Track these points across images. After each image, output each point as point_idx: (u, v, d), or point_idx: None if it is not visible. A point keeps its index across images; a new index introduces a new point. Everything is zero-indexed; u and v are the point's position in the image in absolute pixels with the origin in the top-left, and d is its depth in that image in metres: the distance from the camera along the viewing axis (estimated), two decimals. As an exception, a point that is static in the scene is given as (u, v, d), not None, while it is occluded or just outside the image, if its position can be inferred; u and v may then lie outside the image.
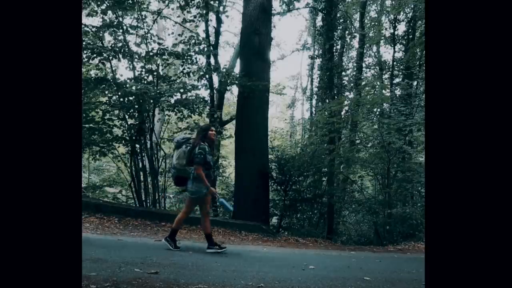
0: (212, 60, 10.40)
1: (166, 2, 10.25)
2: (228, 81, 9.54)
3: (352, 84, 13.65)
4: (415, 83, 12.57)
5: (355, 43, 14.92)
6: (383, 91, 12.39)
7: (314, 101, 15.84)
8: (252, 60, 9.07)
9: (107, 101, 8.56)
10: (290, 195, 9.73)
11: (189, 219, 7.70)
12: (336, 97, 12.49)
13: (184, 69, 9.13)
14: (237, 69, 11.08)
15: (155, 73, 8.59)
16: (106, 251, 4.22)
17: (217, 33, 10.91)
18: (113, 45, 8.55)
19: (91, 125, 8.03)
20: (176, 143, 5.14)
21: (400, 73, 13.91)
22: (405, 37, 13.89)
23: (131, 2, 8.26)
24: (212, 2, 9.70)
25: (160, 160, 9.06)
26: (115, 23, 8.37)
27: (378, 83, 13.93)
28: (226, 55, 29.62)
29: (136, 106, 8.19)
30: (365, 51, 14.57)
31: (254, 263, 4.39)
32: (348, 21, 14.44)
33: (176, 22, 13.89)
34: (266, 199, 8.88)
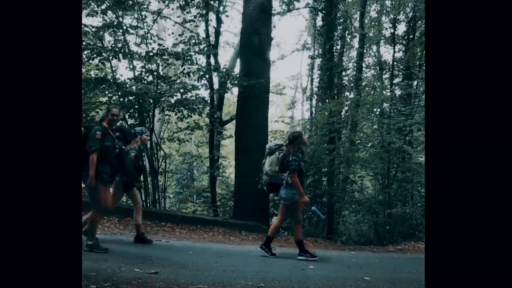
0: (212, 60, 10.39)
1: (166, 2, 10.25)
2: (228, 81, 9.53)
3: (352, 84, 13.63)
4: (415, 83, 12.56)
5: (355, 43, 14.91)
6: (383, 91, 12.38)
7: (314, 101, 15.83)
8: (252, 60, 9.07)
9: (107, 101, 8.56)
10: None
11: (191, 219, 7.71)
12: (336, 97, 12.48)
13: (184, 69, 9.13)
14: (237, 69, 11.08)
15: (155, 73, 8.59)
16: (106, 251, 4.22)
17: (217, 33, 10.90)
18: (113, 45, 8.55)
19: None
20: (269, 149, 5.14)
21: (400, 73, 13.90)
22: (405, 37, 13.88)
23: (131, 2, 8.26)
24: (212, 2, 9.70)
25: (160, 160, 9.05)
26: (115, 23, 8.37)
27: (378, 83, 13.93)
28: (226, 55, 29.60)
29: (136, 106, 8.20)
30: (365, 51, 14.56)
31: (254, 263, 4.39)
32: (348, 21, 14.43)
33: (176, 22, 13.89)
34: (266, 199, 8.88)
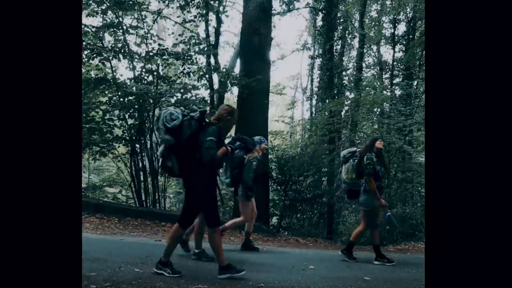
0: (212, 60, 10.39)
1: (166, 2, 10.24)
2: (228, 81, 9.53)
3: (352, 84, 13.64)
4: (415, 83, 12.56)
5: (355, 43, 14.91)
6: (383, 91, 12.38)
7: (314, 101, 15.83)
8: (252, 60, 9.07)
9: (107, 101, 8.55)
10: (290, 195, 9.72)
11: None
12: (336, 97, 12.48)
13: (184, 69, 9.13)
14: (237, 69, 11.07)
15: (155, 73, 8.59)
16: (106, 251, 4.22)
17: (217, 33, 10.90)
18: (113, 45, 8.55)
19: (91, 125, 8.03)
20: (343, 157, 5.13)
21: (400, 73, 13.90)
22: (405, 37, 13.88)
23: (131, 2, 8.26)
24: (212, 2, 9.70)
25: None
26: (115, 23, 8.37)
27: (378, 83, 13.93)
28: (226, 55, 29.54)
29: (136, 106, 8.19)
30: (365, 51, 14.56)
31: (254, 263, 4.38)
32: (348, 21, 14.43)
33: (176, 22, 13.89)
34: (266, 199, 8.87)
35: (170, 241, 3.53)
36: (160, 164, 3.68)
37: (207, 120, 3.51)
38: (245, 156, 4.95)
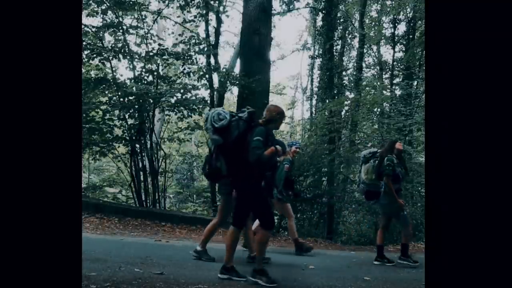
0: (212, 60, 10.39)
1: (166, 2, 10.25)
2: (228, 81, 9.53)
3: (352, 84, 13.64)
4: (415, 83, 12.57)
5: (355, 43, 14.91)
6: (383, 91, 12.38)
7: (314, 101, 15.83)
8: (252, 60, 9.06)
9: (107, 101, 8.55)
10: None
11: (192, 219, 7.71)
12: (336, 97, 12.48)
13: (184, 69, 9.13)
14: (237, 69, 11.07)
15: (155, 73, 8.59)
16: (106, 251, 4.22)
17: (217, 33, 10.90)
18: (113, 45, 8.55)
19: (91, 125, 8.03)
20: (363, 157, 5.09)
21: (400, 73, 13.90)
22: (405, 37, 13.88)
23: (131, 2, 8.26)
24: (212, 2, 9.70)
25: (160, 160, 9.05)
26: (115, 23, 8.37)
27: (378, 83, 13.93)
28: (226, 55, 29.54)
29: (136, 106, 8.19)
30: (365, 51, 14.56)
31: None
32: (348, 21, 14.43)
33: (176, 22, 13.89)
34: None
35: (229, 247, 3.47)
36: (207, 165, 3.63)
37: (255, 120, 3.51)
38: (278, 159, 4.95)
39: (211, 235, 4.43)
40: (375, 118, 11.21)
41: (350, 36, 14.83)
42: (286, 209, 5.27)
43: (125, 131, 8.53)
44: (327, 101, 12.34)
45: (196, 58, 9.27)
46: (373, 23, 14.89)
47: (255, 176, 3.39)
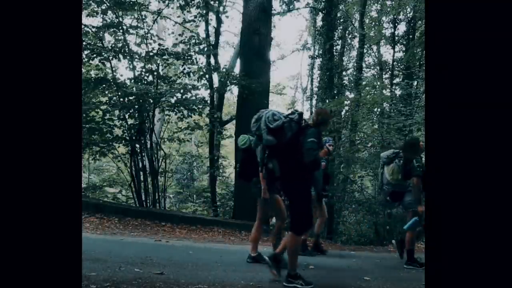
0: (212, 60, 10.40)
1: (166, 2, 10.25)
2: (228, 81, 9.53)
3: (352, 84, 13.63)
4: (415, 83, 12.56)
5: (355, 43, 14.91)
6: (383, 91, 12.38)
7: (314, 101, 15.83)
8: (252, 60, 9.07)
9: (107, 101, 8.55)
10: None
11: (192, 219, 7.71)
12: (336, 97, 12.48)
13: (184, 69, 9.14)
14: (237, 69, 11.09)
15: (155, 73, 8.59)
16: (106, 251, 4.22)
17: (217, 33, 10.91)
18: (113, 45, 8.55)
19: (91, 125, 8.03)
20: (386, 158, 5.02)
21: (400, 73, 13.90)
22: (405, 37, 13.88)
23: (131, 2, 8.26)
24: (212, 2, 9.70)
25: (160, 160, 9.06)
26: (115, 23, 8.37)
27: (378, 83, 13.93)
28: (226, 55, 29.52)
29: (136, 106, 8.20)
30: (365, 51, 14.56)
31: (254, 263, 4.38)
32: (348, 21, 14.43)
33: (176, 22, 13.89)
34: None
35: (291, 254, 3.40)
36: (260, 167, 3.64)
37: (304, 122, 3.49)
38: None
39: (258, 237, 4.42)
40: (375, 118, 11.20)
41: (350, 36, 14.83)
42: (322, 209, 5.25)
43: (125, 131, 8.53)
44: (327, 101, 12.33)
45: (196, 58, 9.28)
46: (373, 23, 14.88)
47: (306, 177, 3.41)
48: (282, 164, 3.40)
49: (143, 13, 9.43)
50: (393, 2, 14.04)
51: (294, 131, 3.32)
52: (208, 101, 9.75)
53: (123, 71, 38.59)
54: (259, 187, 4.16)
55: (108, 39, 8.89)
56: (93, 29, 8.33)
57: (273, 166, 3.45)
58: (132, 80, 8.49)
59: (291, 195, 3.47)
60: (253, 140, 3.82)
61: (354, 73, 14.01)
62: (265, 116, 3.36)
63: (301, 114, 3.45)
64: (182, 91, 8.50)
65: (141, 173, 8.63)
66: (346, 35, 14.57)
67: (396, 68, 14.10)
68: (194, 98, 8.54)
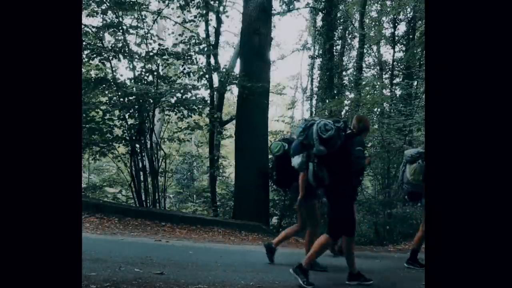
0: (212, 60, 10.39)
1: (166, 2, 10.25)
2: (228, 81, 9.53)
3: (352, 84, 13.64)
4: (415, 83, 12.57)
5: (355, 43, 14.92)
6: (383, 91, 12.38)
7: (314, 101, 15.83)
8: (252, 60, 9.07)
9: (107, 101, 8.55)
10: (290, 195, 9.71)
11: (192, 219, 7.70)
12: (336, 97, 12.49)
13: (184, 69, 9.14)
14: (237, 69, 11.08)
15: (155, 73, 8.59)
16: (106, 251, 4.22)
17: (217, 33, 10.91)
18: (113, 45, 8.55)
19: (91, 125, 8.03)
20: (410, 157, 4.93)
21: (400, 73, 13.90)
22: (405, 37, 13.89)
23: (131, 2, 8.26)
24: (212, 2, 9.70)
25: (160, 160, 9.06)
26: (115, 23, 8.37)
27: (378, 83, 13.94)
28: (226, 55, 29.51)
29: (136, 106, 8.20)
30: (365, 51, 14.57)
31: (254, 263, 4.38)
32: (348, 21, 14.44)
33: (176, 22, 13.89)
34: (266, 199, 8.88)
35: (318, 250, 3.58)
36: (312, 176, 3.69)
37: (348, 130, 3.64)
38: None
39: (310, 243, 4.38)
40: (375, 118, 11.20)
41: (350, 36, 14.84)
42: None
43: (125, 131, 8.53)
44: (327, 101, 12.35)
45: (196, 58, 9.28)
46: (373, 23, 14.89)
47: (353, 184, 3.61)
48: (330, 171, 3.53)
49: (143, 13, 9.43)
50: (393, 2, 14.05)
51: (342, 140, 3.47)
52: (208, 101, 9.75)
53: (123, 71, 38.49)
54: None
55: (108, 39, 8.90)
56: (93, 29, 8.33)
57: (323, 174, 3.57)
58: (132, 80, 8.49)
59: (339, 201, 3.60)
60: (294, 146, 3.84)
61: (354, 73, 14.02)
62: (317, 126, 3.45)
63: (346, 122, 3.59)
64: (182, 91, 8.50)
65: (141, 173, 8.62)
66: (346, 35, 14.59)
67: (396, 68, 14.11)
68: (194, 98, 8.54)
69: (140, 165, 8.55)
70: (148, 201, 8.57)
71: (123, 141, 8.58)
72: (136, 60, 8.54)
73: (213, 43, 10.45)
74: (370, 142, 10.82)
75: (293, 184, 4.31)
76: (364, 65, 14.62)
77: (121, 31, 8.38)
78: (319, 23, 14.45)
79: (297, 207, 4.48)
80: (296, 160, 3.76)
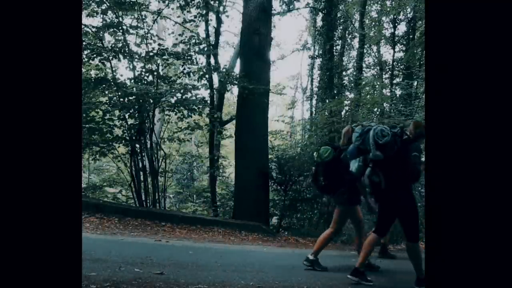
0: (212, 60, 10.39)
1: (166, 2, 10.25)
2: (228, 81, 9.53)
3: (352, 84, 13.64)
4: (415, 83, 12.56)
5: (355, 43, 14.92)
6: (383, 91, 12.38)
7: (314, 101, 15.83)
8: (252, 60, 9.06)
9: (107, 101, 8.56)
10: (290, 195, 9.72)
11: (192, 219, 7.70)
12: (336, 97, 12.49)
13: (184, 69, 9.14)
14: (237, 69, 11.08)
15: (155, 73, 8.59)
16: (106, 251, 4.22)
17: (217, 33, 10.91)
18: (113, 45, 8.55)
19: (91, 125, 8.03)
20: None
21: (400, 73, 13.90)
22: (405, 37, 13.88)
23: (131, 2, 8.26)
24: (212, 2, 9.70)
25: (160, 160, 9.06)
26: (115, 23, 8.37)
27: (378, 83, 13.94)
28: (226, 55, 29.51)
29: (136, 106, 8.20)
30: (365, 51, 14.56)
31: (254, 263, 4.39)
32: (348, 21, 14.43)
33: (176, 22, 13.90)
34: (266, 199, 8.87)
35: (366, 252, 3.71)
36: (367, 181, 3.78)
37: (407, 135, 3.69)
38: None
39: (324, 245, 4.39)
40: (375, 118, 11.19)
41: (350, 36, 14.83)
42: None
43: (125, 131, 8.53)
44: (327, 101, 12.34)
45: (196, 58, 9.28)
46: (373, 23, 14.89)
47: (409, 188, 3.67)
48: (386, 176, 3.61)
49: (143, 13, 9.43)
50: (393, 2, 14.05)
51: (399, 145, 3.54)
52: (208, 101, 9.74)
53: (123, 71, 38.62)
54: (346, 198, 4.23)
55: (108, 39, 8.90)
56: (93, 29, 8.33)
57: (380, 179, 3.64)
58: (132, 80, 8.49)
59: (396, 206, 3.68)
60: (350, 151, 3.83)
61: (354, 73, 14.01)
62: (374, 132, 3.51)
63: (402, 128, 3.68)
64: (182, 91, 8.50)
65: (141, 173, 8.62)
66: (346, 35, 14.58)
67: (396, 68, 14.10)
68: (194, 98, 8.54)
69: (140, 165, 8.55)
70: (148, 201, 8.57)
71: (123, 141, 8.58)
72: (136, 60, 8.54)
73: (213, 43, 10.45)
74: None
75: (340, 190, 4.29)
76: (364, 65, 14.61)
77: (121, 31, 8.38)
78: (319, 23, 14.44)
79: (337, 211, 4.44)
80: (353, 165, 3.84)
